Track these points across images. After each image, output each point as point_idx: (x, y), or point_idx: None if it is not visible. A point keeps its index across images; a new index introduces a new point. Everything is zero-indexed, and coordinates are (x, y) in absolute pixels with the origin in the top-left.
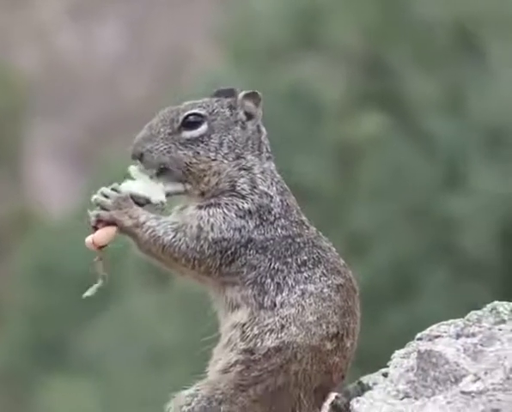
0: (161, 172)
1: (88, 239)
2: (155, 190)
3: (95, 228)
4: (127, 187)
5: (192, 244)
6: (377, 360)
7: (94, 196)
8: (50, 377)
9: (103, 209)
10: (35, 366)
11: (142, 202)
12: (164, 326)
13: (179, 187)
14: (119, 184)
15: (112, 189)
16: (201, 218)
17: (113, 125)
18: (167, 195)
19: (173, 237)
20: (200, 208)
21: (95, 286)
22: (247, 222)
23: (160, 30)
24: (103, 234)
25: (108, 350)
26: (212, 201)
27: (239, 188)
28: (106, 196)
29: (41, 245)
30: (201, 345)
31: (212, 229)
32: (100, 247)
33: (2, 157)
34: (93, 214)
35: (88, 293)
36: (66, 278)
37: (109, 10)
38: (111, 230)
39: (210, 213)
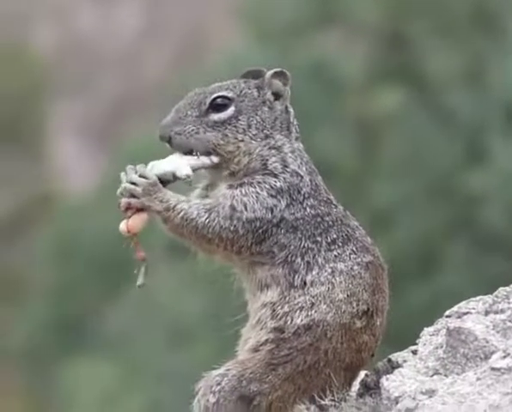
0: (189, 153)
1: (122, 226)
2: (180, 165)
3: (126, 212)
4: (153, 166)
5: (225, 224)
6: (405, 337)
7: (123, 185)
8: (71, 356)
9: (133, 196)
10: (57, 345)
11: (169, 178)
12: (186, 305)
13: (206, 160)
14: (146, 165)
15: (140, 175)
16: (234, 197)
17: (134, 102)
18: (194, 169)
19: (207, 218)
20: (232, 187)
21: (142, 272)
22: (279, 201)
23: (180, 7)
24: (137, 221)
25: (131, 329)
26: (245, 180)
27: (271, 167)
28: (134, 184)
29: (64, 223)
30: (224, 324)
31: (246, 208)
32: (135, 233)
33: (24, 135)
34: (124, 201)
35: (139, 283)
36: (89, 256)
37: None
38: (143, 216)
39: (243, 192)
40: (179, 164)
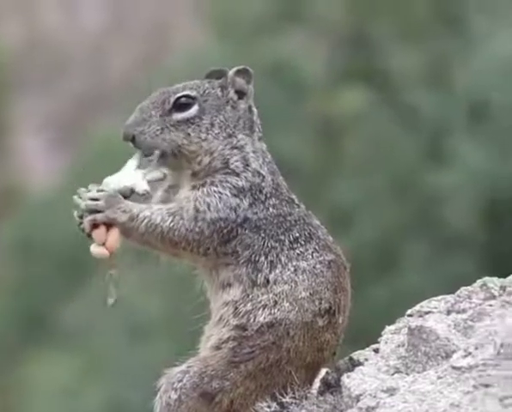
0: (151, 153)
1: (96, 249)
2: (136, 180)
3: (90, 235)
4: (109, 183)
5: (190, 226)
6: (367, 335)
7: (83, 204)
8: (33, 349)
9: (95, 210)
10: (20, 339)
11: (127, 194)
12: (147, 301)
13: (158, 174)
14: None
15: (97, 190)
16: (196, 199)
17: (99, 99)
18: (148, 182)
19: (171, 221)
20: (194, 188)
21: (111, 289)
22: (242, 201)
23: (143, 3)
24: (113, 238)
25: (91, 323)
26: (207, 180)
27: (232, 166)
28: (95, 199)
29: (26, 219)
30: (185, 321)
31: (209, 208)
32: (113, 251)
33: None
34: (88, 219)
35: (111, 301)
36: (50, 252)
37: None
38: (114, 231)
39: (205, 192)
40: (135, 179)
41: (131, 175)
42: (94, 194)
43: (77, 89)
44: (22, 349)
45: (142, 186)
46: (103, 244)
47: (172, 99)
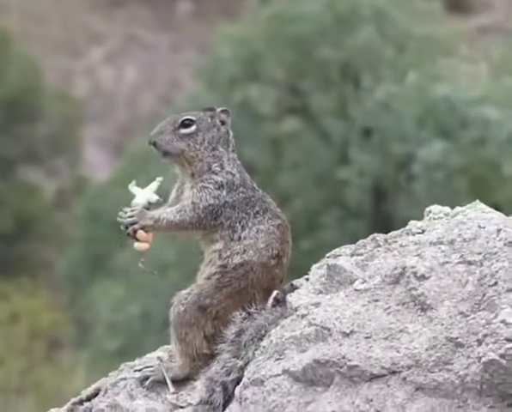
0: (166, 155)
1: (138, 245)
2: (149, 195)
3: (135, 237)
4: (137, 202)
5: (191, 214)
6: (301, 270)
7: (125, 221)
8: (97, 281)
9: (133, 223)
10: (88, 274)
11: (147, 206)
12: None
13: (156, 196)
14: (130, 203)
15: (132, 210)
16: (192, 196)
17: (134, 128)
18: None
19: (180, 216)
20: (192, 188)
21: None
22: (222, 191)
23: (162, 69)
24: (149, 237)
25: (132, 265)
26: (198, 180)
27: (213, 168)
28: (131, 216)
29: (91, 198)
30: (189, 263)
31: (201, 200)
32: (150, 245)
33: (68, 147)
34: (130, 229)
35: (143, 269)
36: (106, 219)
37: (132, 55)
38: (150, 234)
39: (198, 189)
40: (148, 195)
41: (145, 193)
42: (129, 213)
43: (121, 120)
44: (89, 281)
45: (154, 198)
46: (145, 241)
47: (179, 121)
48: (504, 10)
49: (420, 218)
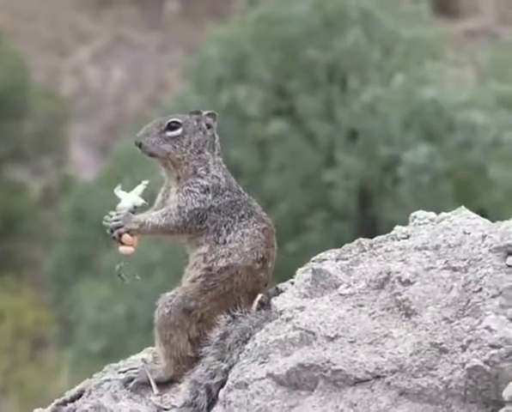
0: (151, 157)
1: (124, 248)
2: (134, 199)
3: (120, 240)
4: (123, 205)
5: (177, 218)
6: (286, 274)
7: (111, 225)
8: (81, 280)
9: (119, 227)
10: (72, 273)
11: (133, 210)
12: (153, 252)
13: (142, 200)
14: (116, 207)
15: (117, 213)
16: (178, 200)
17: (120, 128)
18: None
19: (165, 220)
20: (177, 192)
21: (123, 274)
22: (208, 195)
23: (150, 69)
24: (134, 241)
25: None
26: (184, 183)
27: (199, 172)
28: (117, 220)
29: (76, 197)
30: (175, 266)
31: (187, 204)
32: (135, 248)
33: (54, 146)
34: (116, 233)
35: (127, 281)
36: (91, 218)
37: (120, 54)
38: (135, 238)
39: (184, 193)
40: (134, 199)
41: (131, 197)
42: (115, 217)
43: (108, 119)
44: (75, 280)
45: (139, 201)
46: (130, 244)
47: (166, 123)
48: (492, 15)
49: (405, 221)
